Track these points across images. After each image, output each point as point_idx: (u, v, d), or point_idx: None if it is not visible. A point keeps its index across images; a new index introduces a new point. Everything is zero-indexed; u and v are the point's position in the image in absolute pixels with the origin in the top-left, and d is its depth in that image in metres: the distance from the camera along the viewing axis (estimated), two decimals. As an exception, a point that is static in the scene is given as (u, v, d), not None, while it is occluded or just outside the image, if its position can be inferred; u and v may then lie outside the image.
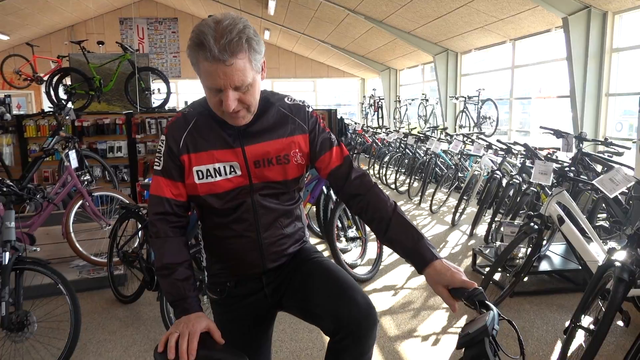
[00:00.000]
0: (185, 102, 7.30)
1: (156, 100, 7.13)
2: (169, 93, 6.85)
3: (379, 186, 1.48)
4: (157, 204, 1.41)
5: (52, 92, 6.75)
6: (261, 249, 1.45)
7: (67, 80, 6.94)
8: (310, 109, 1.50)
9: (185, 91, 16.74)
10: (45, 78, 7.02)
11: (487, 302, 1.06)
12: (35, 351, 2.92)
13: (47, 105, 6.24)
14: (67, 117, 5.02)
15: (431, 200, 6.93)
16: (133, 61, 6.64)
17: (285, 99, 1.48)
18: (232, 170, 1.38)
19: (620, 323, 3.38)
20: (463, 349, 0.96)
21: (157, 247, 1.41)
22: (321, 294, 1.39)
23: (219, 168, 1.38)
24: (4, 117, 5.40)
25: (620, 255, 2.49)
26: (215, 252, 1.51)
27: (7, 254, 2.69)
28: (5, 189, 2.82)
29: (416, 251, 1.30)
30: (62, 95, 6.75)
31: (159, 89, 7.27)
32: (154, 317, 3.55)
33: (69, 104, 5.45)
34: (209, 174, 1.37)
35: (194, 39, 1.22)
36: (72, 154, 4.38)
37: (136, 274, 3.78)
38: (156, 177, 1.42)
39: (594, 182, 2.67)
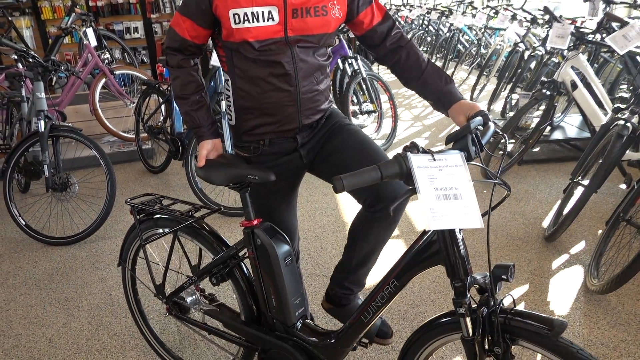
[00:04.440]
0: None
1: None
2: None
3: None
4: (173, 39, 1.45)
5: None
6: (299, 104, 1.44)
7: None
8: None
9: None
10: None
11: (485, 117, 1.20)
12: (80, 210, 3.28)
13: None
14: (81, -5, 4.97)
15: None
16: None
17: None
18: (270, 16, 1.32)
19: (623, 186, 3.52)
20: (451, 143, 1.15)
21: (173, 77, 1.51)
22: (362, 166, 1.48)
23: (256, 12, 1.31)
24: (19, -2, 5.38)
25: (625, 114, 2.53)
26: (249, 108, 1.46)
27: (42, 122, 2.92)
28: (30, 60, 2.96)
29: (448, 91, 1.39)
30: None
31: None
32: (181, 184, 3.86)
33: (81, -18, 5.36)
34: (246, 18, 1.32)
35: None
36: (90, 32, 4.42)
37: (162, 145, 4.03)
38: (178, 14, 1.42)
39: (606, 39, 2.62)
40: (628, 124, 2.45)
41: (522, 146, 3.66)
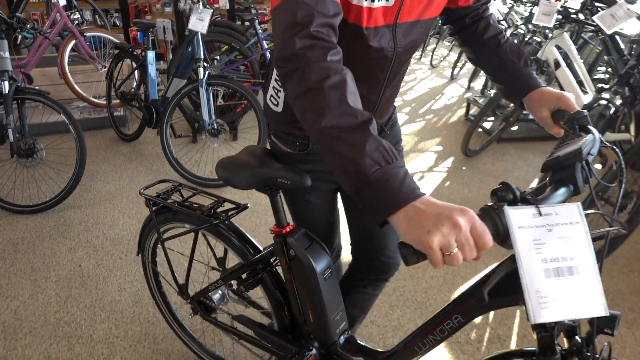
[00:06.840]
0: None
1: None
2: None
3: None
4: (315, 5, 0.83)
5: None
6: (376, 110, 1.21)
7: None
8: None
9: None
10: None
11: (589, 126, 0.95)
12: (48, 177, 3.14)
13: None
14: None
15: (432, 55, 6.78)
16: None
17: None
18: None
19: (599, 166, 3.57)
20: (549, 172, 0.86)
21: (330, 86, 0.80)
22: (386, 233, 1.38)
23: None
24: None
25: (608, 94, 2.54)
26: None
27: (6, 83, 2.74)
28: (-7, 16, 2.75)
29: (528, 74, 1.15)
30: None
31: None
32: (155, 154, 3.73)
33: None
34: None
35: None
36: (58, -11, 4.16)
37: (135, 113, 3.88)
38: None
39: (594, 17, 2.60)
40: (610, 104, 2.46)
41: (502, 124, 3.66)
